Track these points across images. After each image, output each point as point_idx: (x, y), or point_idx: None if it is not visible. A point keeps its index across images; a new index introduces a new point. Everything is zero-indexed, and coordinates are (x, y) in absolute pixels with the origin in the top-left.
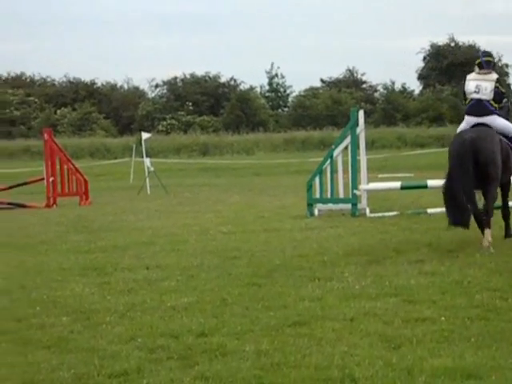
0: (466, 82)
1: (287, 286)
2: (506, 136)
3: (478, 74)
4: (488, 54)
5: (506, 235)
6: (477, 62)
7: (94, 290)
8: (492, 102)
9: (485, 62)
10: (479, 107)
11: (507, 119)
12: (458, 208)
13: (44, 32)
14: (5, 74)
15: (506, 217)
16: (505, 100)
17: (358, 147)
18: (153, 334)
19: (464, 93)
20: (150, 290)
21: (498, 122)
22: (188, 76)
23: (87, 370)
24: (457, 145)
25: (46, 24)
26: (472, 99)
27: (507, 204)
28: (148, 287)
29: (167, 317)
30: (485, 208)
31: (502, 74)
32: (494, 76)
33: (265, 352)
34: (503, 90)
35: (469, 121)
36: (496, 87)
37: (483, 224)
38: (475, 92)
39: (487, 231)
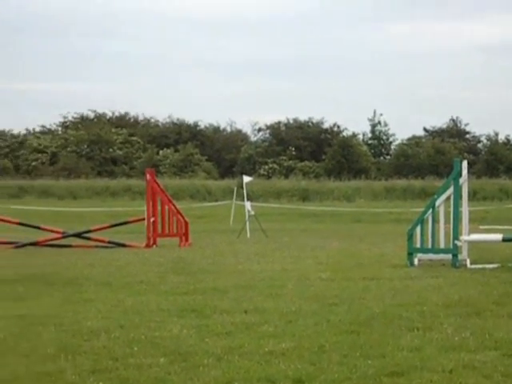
0: None
1: (386, 335)
2: None
3: None
4: None
5: None
6: None
7: (192, 332)
8: None
9: None
10: None
11: None
12: None
13: (149, 73)
14: (109, 114)
15: None
16: None
17: (461, 197)
18: (250, 379)
19: None
20: (248, 334)
21: None
22: (291, 121)
23: None
24: None
25: (152, 65)
26: None
27: None
28: (246, 331)
29: (264, 361)
30: None
31: None
32: None
33: None
34: None
35: None
36: None
37: None
38: None
39: None
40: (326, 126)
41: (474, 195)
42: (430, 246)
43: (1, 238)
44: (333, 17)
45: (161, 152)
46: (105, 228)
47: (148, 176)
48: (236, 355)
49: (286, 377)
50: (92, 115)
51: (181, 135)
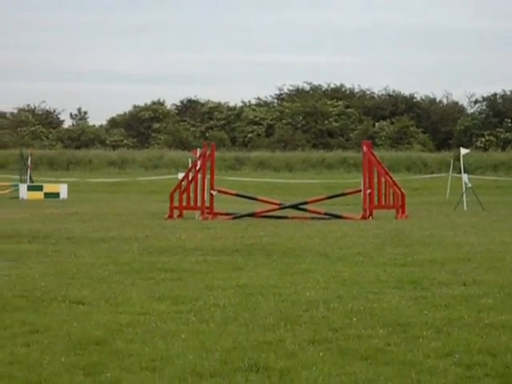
0: None
1: None
2: None
3: None
4: None
5: None
6: None
7: (411, 304)
8: None
9: None
10: None
11: None
12: None
13: (367, 46)
14: (325, 86)
15: None
16: None
17: None
18: (470, 351)
19: None
20: (467, 306)
21: None
22: (508, 92)
23: (404, 383)
24: None
25: (372, 38)
26: None
27: None
28: (465, 303)
29: (484, 334)
30: None
31: None
32: None
33: None
34: None
35: None
36: None
37: None
38: None
39: None
40: None
41: None
42: None
43: (219, 209)
44: None
45: (377, 124)
46: (321, 200)
47: (365, 148)
48: (455, 327)
49: (506, 349)
50: (307, 87)
51: (397, 107)
